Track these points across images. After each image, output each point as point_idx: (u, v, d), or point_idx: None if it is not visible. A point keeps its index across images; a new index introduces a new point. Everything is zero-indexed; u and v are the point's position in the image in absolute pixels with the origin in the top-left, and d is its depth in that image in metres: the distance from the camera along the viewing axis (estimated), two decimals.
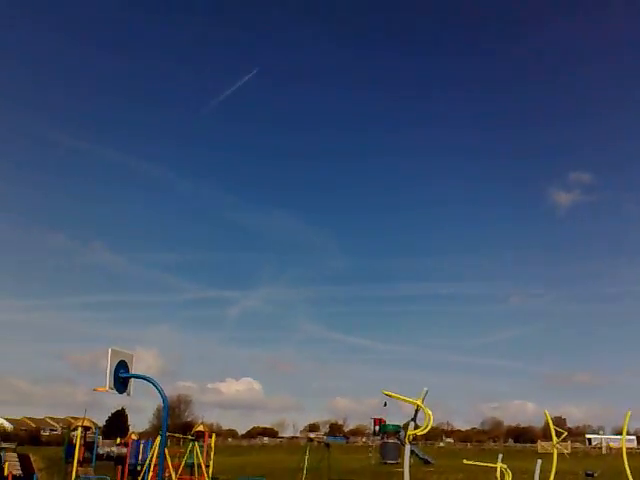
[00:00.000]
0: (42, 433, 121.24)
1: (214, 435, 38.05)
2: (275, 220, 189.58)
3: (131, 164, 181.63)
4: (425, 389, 12.82)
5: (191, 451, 31.47)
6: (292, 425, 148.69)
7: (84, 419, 36.84)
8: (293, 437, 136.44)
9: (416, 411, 12.77)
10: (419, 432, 13.27)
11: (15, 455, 35.16)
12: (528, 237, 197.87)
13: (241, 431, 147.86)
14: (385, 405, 57.69)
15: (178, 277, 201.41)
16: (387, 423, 63.32)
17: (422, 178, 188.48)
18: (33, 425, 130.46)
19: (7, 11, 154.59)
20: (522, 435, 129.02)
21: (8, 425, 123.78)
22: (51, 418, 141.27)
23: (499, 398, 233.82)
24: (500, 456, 20.64)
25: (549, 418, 21.60)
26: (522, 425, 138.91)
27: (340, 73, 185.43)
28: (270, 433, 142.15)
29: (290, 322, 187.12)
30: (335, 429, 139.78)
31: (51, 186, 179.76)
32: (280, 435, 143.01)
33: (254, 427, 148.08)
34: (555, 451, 20.97)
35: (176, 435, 43.09)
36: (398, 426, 61.92)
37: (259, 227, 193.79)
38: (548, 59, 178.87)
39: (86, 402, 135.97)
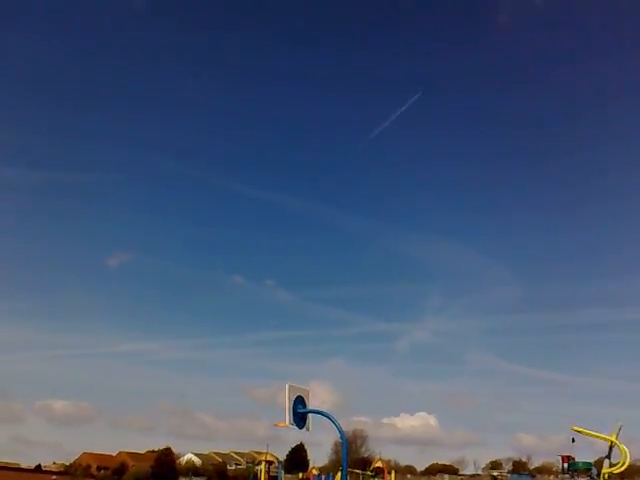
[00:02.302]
0: (228, 467, 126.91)
1: (393, 471, 37.66)
2: (441, 248, 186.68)
3: (294, 204, 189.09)
4: (619, 424, 11.89)
5: None
6: (473, 462, 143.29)
7: (267, 454, 38.09)
8: (474, 475, 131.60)
9: (610, 448, 11.87)
10: (615, 470, 12.29)
11: None
12: None
13: (419, 468, 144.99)
14: (573, 441, 53.74)
15: (348, 311, 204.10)
16: (576, 460, 59.06)
17: (602, 194, 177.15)
18: (219, 460, 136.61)
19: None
20: None
21: (197, 460, 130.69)
22: (236, 452, 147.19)
23: None
24: None
25: None
26: None
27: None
28: (450, 470, 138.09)
29: (462, 354, 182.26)
30: (519, 467, 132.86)
31: (226, 232, 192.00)
32: (461, 472, 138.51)
33: (433, 464, 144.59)
34: None
35: (355, 471, 43.19)
36: (589, 463, 57.55)
37: (425, 256, 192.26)
38: None
39: (267, 436, 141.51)
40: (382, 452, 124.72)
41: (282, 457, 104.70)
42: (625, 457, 11.86)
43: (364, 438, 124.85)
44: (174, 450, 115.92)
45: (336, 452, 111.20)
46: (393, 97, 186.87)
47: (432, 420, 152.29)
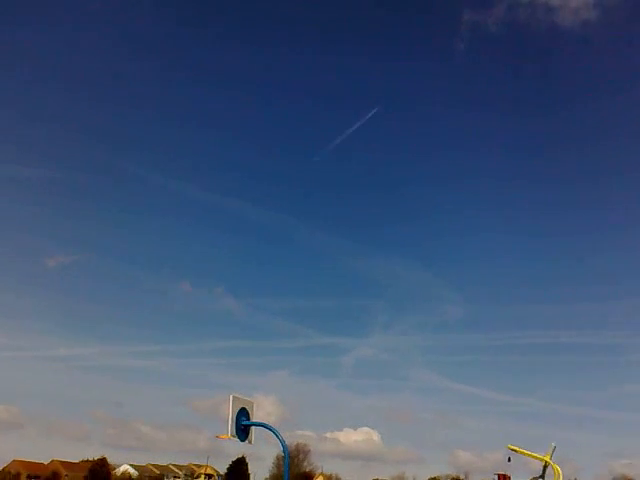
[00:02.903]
0: None
1: None
2: (391, 266, 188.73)
3: (247, 212, 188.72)
4: (553, 444, 12.31)
5: None
6: (412, 478, 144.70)
7: (207, 467, 37.67)
8: None
9: (544, 467, 12.25)
10: None
11: None
12: None
13: None
14: (509, 460, 54.72)
15: (295, 323, 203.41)
16: (512, 479, 60.28)
17: (555, 222, 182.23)
18: (157, 472, 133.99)
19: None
20: None
21: (133, 472, 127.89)
22: (174, 465, 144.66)
23: (631, 454, 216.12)
24: None
25: None
26: None
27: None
28: None
29: (407, 371, 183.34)
30: None
31: (176, 236, 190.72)
32: None
33: (373, 479, 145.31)
34: None
35: None
36: None
37: (375, 273, 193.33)
38: None
39: (208, 449, 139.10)
40: (324, 467, 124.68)
41: (222, 470, 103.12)
42: (558, 477, 12.20)
43: (307, 452, 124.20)
44: (109, 461, 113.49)
45: (278, 466, 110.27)
46: (351, 111, 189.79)
47: (375, 435, 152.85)
